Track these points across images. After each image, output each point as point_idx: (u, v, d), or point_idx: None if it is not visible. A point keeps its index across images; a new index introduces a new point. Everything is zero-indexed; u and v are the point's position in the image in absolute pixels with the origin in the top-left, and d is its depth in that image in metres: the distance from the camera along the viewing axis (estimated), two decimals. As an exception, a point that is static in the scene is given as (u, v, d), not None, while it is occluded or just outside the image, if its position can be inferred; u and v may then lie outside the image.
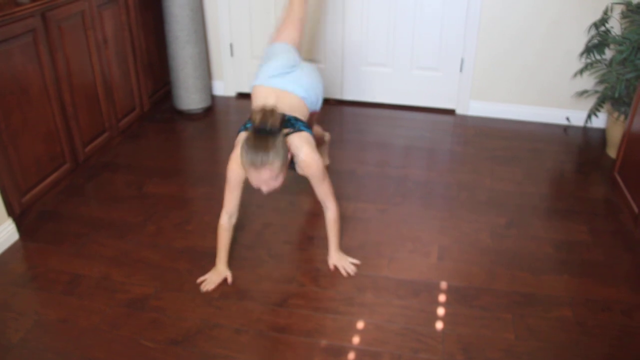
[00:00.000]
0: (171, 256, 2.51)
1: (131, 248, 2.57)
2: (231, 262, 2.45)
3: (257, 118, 1.99)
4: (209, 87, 3.96)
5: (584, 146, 3.57)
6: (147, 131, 3.69)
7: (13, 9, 2.51)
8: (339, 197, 2.94)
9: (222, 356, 2.00)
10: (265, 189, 2.06)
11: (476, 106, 3.92)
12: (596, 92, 3.54)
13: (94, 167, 3.23)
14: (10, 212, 2.60)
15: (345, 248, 2.54)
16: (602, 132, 3.71)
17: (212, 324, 2.13)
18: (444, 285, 2.34)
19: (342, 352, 2.01)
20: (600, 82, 3.49)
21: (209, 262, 2.44)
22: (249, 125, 2.16)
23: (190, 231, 2.68)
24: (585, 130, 3.75)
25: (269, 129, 1.98)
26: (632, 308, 2.23)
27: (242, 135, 2.20)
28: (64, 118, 2.91)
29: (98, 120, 3.24)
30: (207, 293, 2.29)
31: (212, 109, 4.03)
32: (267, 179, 2.01)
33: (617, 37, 3.29)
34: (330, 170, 3.20)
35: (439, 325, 2.12)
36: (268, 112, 2.00)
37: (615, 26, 3.43)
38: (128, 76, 3.53)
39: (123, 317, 2.17)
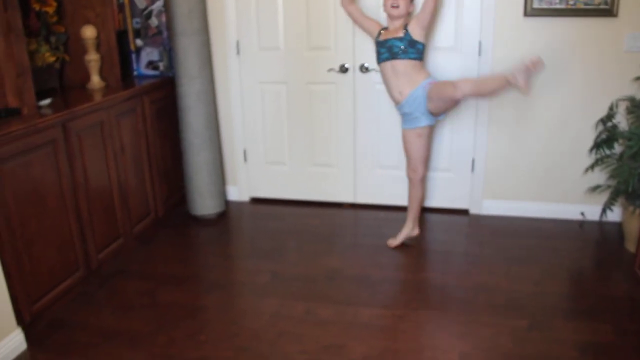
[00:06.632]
0: (183, 367, 2.43)
1: (142, 359, 2.49)
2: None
3: None
4: (223, 192, 4.01)
5: (602, 241, 3.51)
6: (160, 236, 3.70)
7: (36, 120, 2.61)
8: (353, 303, 2.88)
9: None
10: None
11: (489, 205, 3.91)
12: (609, 186, 3.53)
13: (107, 274, 3.21)
14: (20, 320, 2.56)
15: (363, 356, 2.44)
16: (619, 226, 3.65)
17: None
18: (466, 393, 2.22)
19: None
20: (612, 176, 3.48)
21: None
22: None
23: (203, 341, 2.61)
24: (601, 224, 3.71)
25: None
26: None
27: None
28: (79, 226, 2.94)
29: (113, 227, 3.27)
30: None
31: (226, 214, 4.05)
32: None
33: (625, 133, 3.33)
34: (345, 276, 3.14)
35: None
36: None
37: (622, 121, 3.48)
38: (143, 182, 3.59)
39: None
